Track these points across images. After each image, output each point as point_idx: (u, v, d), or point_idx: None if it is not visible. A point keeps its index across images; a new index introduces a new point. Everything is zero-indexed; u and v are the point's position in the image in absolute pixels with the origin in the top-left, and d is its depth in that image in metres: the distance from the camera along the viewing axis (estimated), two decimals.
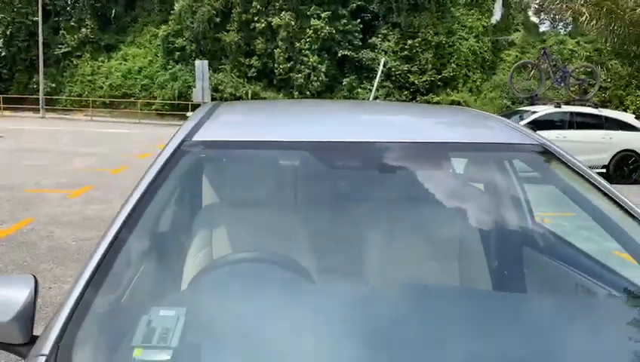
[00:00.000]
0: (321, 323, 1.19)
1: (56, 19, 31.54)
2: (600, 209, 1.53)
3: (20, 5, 30.15)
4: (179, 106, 28.37)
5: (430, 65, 26.72)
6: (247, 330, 1.15)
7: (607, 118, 11.35)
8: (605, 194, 1.52)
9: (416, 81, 26.55)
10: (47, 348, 1.04)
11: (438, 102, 26.54)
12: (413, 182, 1.77)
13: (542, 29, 31.77)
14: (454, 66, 27.19)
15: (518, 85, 14.61)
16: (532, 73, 14.27)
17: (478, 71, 27.12)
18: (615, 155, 11.01)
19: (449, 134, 1.81)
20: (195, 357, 1.09)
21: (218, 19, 28.19)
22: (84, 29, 31.11)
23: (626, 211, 1.47)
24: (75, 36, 31.11)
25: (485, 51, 27.82)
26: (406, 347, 1.11)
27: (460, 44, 27.38)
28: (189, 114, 24.79)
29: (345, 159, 1.72)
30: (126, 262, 1.35)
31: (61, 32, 31.46)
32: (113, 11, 33.16)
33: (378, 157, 1.65)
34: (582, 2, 13.47)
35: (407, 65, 26.56)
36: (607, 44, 15.05)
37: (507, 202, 1.93)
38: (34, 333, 1.20)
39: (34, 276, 1.27)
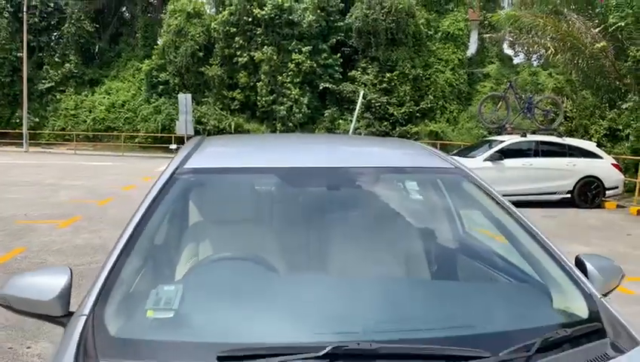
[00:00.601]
0: (281, 283, 1.79)
1: (40, 54, 31.90)
2: (489, 211, 2.04)
3: (3, 42, 30.45)
4: (162, 139, 28.65)
5: (408, 97, 27.44)
6: (227, 297, 1.62)
7: (570, 147, 11.96)
8: (494, 201, 2.05)
9: (395, 113, 27.20)
10: (86, 310, 1.49)
11: (417, 132, 27.19)
12: (356, 197, 2.22)
13: (516, 61, 32.85)
14: (432, 98, 27.95)
15: (493, 116, 15.30)
16: (500, 105, 15.01)
17: (455, 102, 27.90)
18: (579, 181, 11.56)
19: (382, 161, 2.34)
20: (189, 314, 1.54)
21: (201, 54, 28.73)
22: (67, 64, 31.46)
23: (510, 214, 2.01)
24: (59, 71, 31.41)
25: (461, 83, 28.67)
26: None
27: (436, 76, 28.20)
28: (172, 146, 25.15)
29: (304, 180, 2.16)
30: (134, 263, 1.73)
31: (45, 67, 31.76)
32: (97, 47, 33.67)
33: (336, 179, 2.15)
34: (548, 37, 14.23)
35: (386, 97, 27.25)
36: (574, 77, 15.83)
37: (441, 212, 2.32)
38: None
39: (70, 268, 1.64)
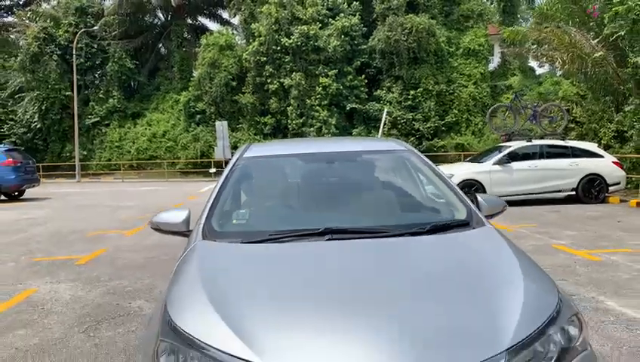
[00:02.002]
0: (303, 202, 3.30)
1: (86, 92, 34.34)
2: (427, 174, 3.41)
3: (53, 82, 33.01)
4: (201, 164, 30.47)
5: (433, 113, 28.48)
6: (272, 213, 3.14)
7: (573, 148, 12.98)
8: (432, 171, 3.41)
9: (421, 128, 28.28)
10: (201, 224, 2.84)
11: (443, 146, 28.25)
12: (349, 168, 3.71)
13: (539, 71, 33.60)
14: (456, 112, 28.91)
15: (502, 124, 16.47)
16: (506, 114, 16.14)
17: (479, 115, 28.77)
18: (582, 179, 12.54)
19: (362, 146, 4.02)
20: (253, 222, 3.04)
21: (234, 83, 30.52)
22: (111, 100, 33.85)
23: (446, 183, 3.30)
24: (104, 106, 33.82)
25: (485, 96, 29.53)
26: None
27: (460, 91, 29.16)
28: (211, 170, 26.78)
29: (323, 159, 3.69)
30: (222, 201, 3.14)
31: (90, 103, 34.21)
32: (137, 82, 36.06)
33: (335, 157, 3.71)
34: (553, 49, 15.31)
35: (411, 114, 28.38)
36: (582, 84, 16.78)
37: (407, 177, 3.65)
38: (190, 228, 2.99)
39: (189, 209, 3.04)
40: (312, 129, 28.72)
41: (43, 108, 33.04)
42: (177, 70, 34.84)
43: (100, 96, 34.35)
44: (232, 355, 1.84)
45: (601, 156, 12.89)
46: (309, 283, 2.30)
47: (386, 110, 25.32)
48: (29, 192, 18.54)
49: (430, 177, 3.45)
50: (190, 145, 31.69)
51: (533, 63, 34.19)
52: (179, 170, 31.42)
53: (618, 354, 3.77)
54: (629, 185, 14.06)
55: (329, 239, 2.66)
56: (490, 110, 17.16)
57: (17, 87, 34.83)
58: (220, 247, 2.69)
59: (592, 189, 12.59)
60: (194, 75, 32.22)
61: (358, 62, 29.60)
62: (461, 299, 2.15)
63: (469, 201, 3.10)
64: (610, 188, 12.72)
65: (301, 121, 29.23)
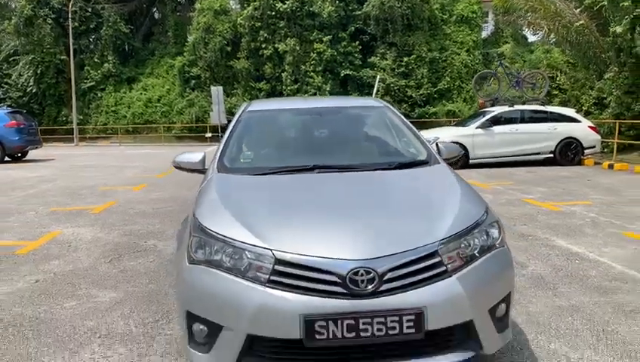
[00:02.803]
0: (296, 145, 4.11)
1: (81, 56, 34.39)
2: (400, 126, 4.06)
3: (48, 46, 33.13)
4: (197, 129, 30.98)
5: (426, 80, 28.94)
6: (272, 155, 3.90)
7: (552, 113, 13.70)
8: (403, 124, 4.09)
9: (413, 95, 28.79)
10: (215, 163, 3.60)
11: (435, 113, 28.85)
12: (334, 120, 4.38)
13: (531, 39, 33.97)
14: (448, 79, 29.37)
15: (482, 92, 17.14)
16: (491, 81, 16.77)
17: (471, 82, 29.30)
18: (560, 142, 13.30)
19: (346, 103, 4.74)
20: (257, 162, 3.82)
21: (229, 48, 30.74)
22: (106, 64, 33.95)
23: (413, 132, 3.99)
24: (99, 71, 33.95)
25: (477, 63, 29.94)
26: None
27: (452, 58, 29.56)
28: (207, 135, 27.22)
29: (313, 113, 4.39)
30: (231, 146, 3.84)
31: (85, 67, 34.29)
32: (132, 46, 36.17)
33: (323, 112, 4.41)
34: (541, 17, 15.83)
35: (404, 81, 28.84)
36: (566, 52, 17.38)
37: (382, 128, 4.37)
38: (205, 166, 3.71)
39: (204, 152, 3.76)
40: (306, 95, 29.15)
41: (38, 72, 33.17)
42: (172, 35, 34.94)
43: (95, 60, 34.43)
44: (244, 243, 2.60)
45: (578, 121, 13.63)
46: (300, 199, 3.08)
47: (378, 77, 25.80)
48: (31, 154, 19.14)
49: (401, 128, 4.18)
50: (185, 111, 32.07)
51: (526, 31, 34.71)
52: (174, 135, 31.92)
53: (555, 275, 4.58)
54: (605, 150, 14.84)
55: (317, 172, 3.41)
56: (475, 77, 17.82)
57: (12, 51, 34.88)
58: (231, 177, 3.44)
59: (568, 152, 13.37)
60: (188, 39, 32.38)
61: (353, 28, 29.86)
62: (410, 209, 2.95)
63: (430, 147, 3.84)
64: (586, 152, 13.49)
65: (296, 87, 29.61)
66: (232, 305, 2.52)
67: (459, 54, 29.86)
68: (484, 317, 2.63)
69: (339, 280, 2.45)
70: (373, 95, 24.58)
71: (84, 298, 4.24)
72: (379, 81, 25.21)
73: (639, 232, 6.12)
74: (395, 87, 28.74)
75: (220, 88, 27.36)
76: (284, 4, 28.89)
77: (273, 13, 29.29)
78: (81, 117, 33.22)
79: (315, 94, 29.12)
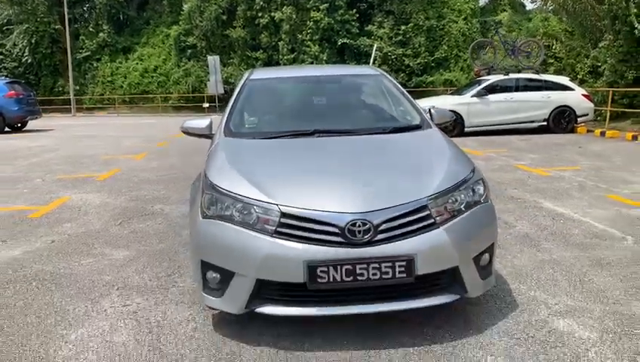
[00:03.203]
0: (298, 108, 4.36)
1: (76, 25, 34.14)
2: (397, 97, 4.29)
3: (42, 15, 32.83)
4: (194, 99, 30.99)
5: (423, 49, 28.90)
6: (275, 121, 4.13)
7: (546, 81, 13.88)
8: (398, 90, 4.32)
9: (411, 64, 28.78)
10: (222, 127, 3.85)
11: (432, 82, 28.87)
12: (333, 87, 4.60)
13: (529, 7, 33.77)
14: (446, 48, 29.29)
15: (479, 61, 17.24)
16: (487, 49, 16.87)
17: (468, 51, 29.28)
18: (553, 110, 13.50)
19: (344, 71, 4.98)
20: (262, 126, 4.07)
21: (225, 17, 30.57)
22: (101, 34, 33.73)
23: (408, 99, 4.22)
24: (94, 41, 33.73)
25: (474, 32, 29.83)
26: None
27: (450, 27, 29.44)
28: (205, 105, 27.29)
29: (313, 81, 4.62)
30: (236, 112, 4.06)
31: (80, 37, 34.07)
32: (127, 15, 35.83)
33: (322, 79, 4.66)
34: None
35: (401, 50, 28.80)
36: (564, 20, 17.43)
37: (378, 95, 4.60)
38: (212, 131, 3.95)
39: (210, 118, 4.00)
40: (304, 64, 29.11)
41: (33, 42, 32.91)
42: (167, 3, 34.59)
43: (90, 30, 34.17)
44: (253, 199, 2.87)
45: (572, 89, 13.81)
46: (302, 160, 3.37)
47: (375, 45, 25.77)
48: (30, 125, 19.25)
49: (396, 95, 4.41)
50: (182, 80, 32.02)
51: None
52: (171, 105, 31.92)
53: (540, 233, 4.88)
54: (598, 117, 15.07)
55: (317, 136, 3.66)
56: (472, 45, 17.90)
57: (5, 20, 34.54)
58: (237, 141, 3.69)
59: (562, 120, 13.59)
60: (184, 8, 32.12)
61: None
62: (403, 168, 3.25)
63: (423, 112, 4.09)
64: (579, 119, 13.72)
65: (292, 56, 29.56)
66: (243, 254, 2.81)
67: (456, 22, 29.75)
68: (468, 264, 2.93)
69: (338, 231, 2.73)
70: (371, 64, 24.61)
71: (99, 256, 4.52)
72: (376, 50, 25.18)
73: (623, 195, 6.42)
74: (393, 56, 28.72)
75: (217, 58, 27.31)
76: None
77: None
78: (77, 87, 33.10)
79: (312, 63, 29.08)
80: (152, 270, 4.16)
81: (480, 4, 31.66)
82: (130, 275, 4.06)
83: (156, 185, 7.57)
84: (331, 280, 2.72)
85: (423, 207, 2.86)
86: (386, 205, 2.81)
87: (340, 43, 29.33)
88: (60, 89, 33.65)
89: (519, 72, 14.71)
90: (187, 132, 4.20)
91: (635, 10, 13.06)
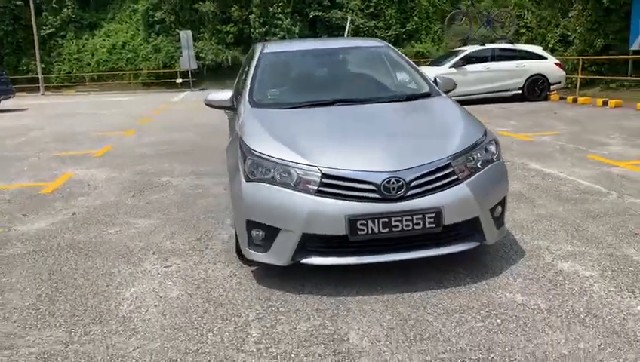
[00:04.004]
0: (316, 75, 4.79)
1: (37, 1, 33.12)
2: (401, 63, 4.60)
3: None
4: (165, 75, 30.57)
5: (395, 20, 29.14)
6: (296, 89, 4.48)
7: (521, 51, 14.38)
8: (405, 61, 4.66)
9: (382, 36, 28.93)
10: (245, 99, 4.14)
11: (404, 53, 29.18)
12: (347, 59, 4.89)
13: None
14: (417, 19, 29.58)
15: (454, 31, 17.62)
16: (463, 20, 17.27)
17: (438, 22, 29.60)
18: (528, 79, 14.02)
19: (352, 43, 5.31)
20: (283, 96, 4.36)
21: None
22: (65, 9, 32.73)
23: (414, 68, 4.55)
24: (58, 17, 32.73)
25: (444, 3, 30.16)
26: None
27: None
28: (178, 81, 26.98)
29: (326, 53, 4.90)
30: (258, 82, 4.32)
31: (43, 13, 33.04)
32: None
33: (335, 52, 4.96)
34: None
35: (373, 22, 28.99)
36: None
37: (388, 65, 4.89)
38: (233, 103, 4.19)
39: (232, 91, 4.23)
40: (275, 38, 28.95)
41: None
42: None
43: (53, 5, 33.09)
44: (294, 162, 3.17)
45: (545, 58, 14.33)
46: (331, 126, 3.69)
47: (349, 18, 25.88)
48: (3, 105, 18.83)
49: (403, 65, 4.72)
50: (152, 56, 31.47)
51: None
52: (141, 82, 31.43)
53: (533, 191, 5.32)
54: (569, 85, 15.68)
55: (338, 105, 3.95)
56: (448, 17, 18.24)
57: None
58: (265, 111, 3.95)
59: (536, 88, 14.12)
60: None
61: None
62: (425, 131, 3.63)
63: (430, 81, 4.42)
64: (552, 87, 14.27)
65: (264, 29, 29.37)
66: (289, 212, 3.11)
67: None
68: (486, 215, 3.30)
69: (374, 188, 3.05)
70: (345, 37, 24.76)
71: (125, 225, 4.75)
72: (350, 23, 25.30)
73: (602, 155, 6.92)
74: (365, 28, 28.87)
75: (189, 32, 27.06)
76: None
77: None
78: (43, 65, 32.25)
79: (284, 37, 29.03)
80: (180, 235, 4.42)
81: None
82: (161, 241, 4.31)
83: (156, 160, 7.74)
84: (369, 232, 3.05)
85: (447, 165, 3.20)
86: (415, 164, 3.14)
87: (311, 15, 29.30)
88: (25, 67, 32.67)
89: (492, 42, 15.14)
90: (210, 104, 4.43)
91: None
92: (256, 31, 29.37)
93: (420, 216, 3.07)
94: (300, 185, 3.15)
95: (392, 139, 3.41)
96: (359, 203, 3.06)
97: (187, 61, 26.50)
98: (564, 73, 14.49)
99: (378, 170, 3.09)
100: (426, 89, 4.32)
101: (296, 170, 3.16)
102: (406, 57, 4.82)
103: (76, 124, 12.77)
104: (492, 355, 2.55)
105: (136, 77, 31.59)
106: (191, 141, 9.39)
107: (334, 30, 29.51)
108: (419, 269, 3.44)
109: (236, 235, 3.58)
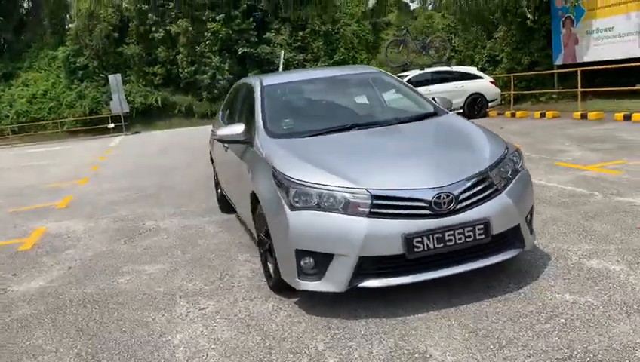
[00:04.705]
0: (314, 103, 4.81)
1: None
2: (402, 90, 4.77)
3: None
4: (92, 121, 29.47)
5: (322, 52, 29.86)
6: (306, 120, 4.42)
7: (458, 72, 15.19)
8: (401, 84, 4.81)
9: (312, 67, 29.60)
10: (261, 130, 4.13)
11: None
12: (349, 85, 4.97)
13: (412, 6, 36.08)
14: (343, 50, 30.48)
15: (393, 58, 18.39)
16: (401, 47, 18.09)
17: (364, 52, 30.71)
18: (467, 98, 14.82)
19: (345, 71, 5.36)
20: (295, 128, 4.27)
21: (116, 34, 29.58)
22: None
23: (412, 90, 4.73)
24: None
25: (367, 34, 31.41)
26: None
27: (344, 30, 30.70)
28: (110, 126, 26.10)
29: (326, 82, 4.97)
30: (267, 113, 4.30)
31: None
32: (3, 39, 33.33)
33: (335, 80, 5.03)
34: None
35: (302, 55, 29.58)
36: (457, 16, 19.08)
37: (387, 87, 5.03)
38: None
39: (243, 124, 4.18)
40: (205, 76, 28.87)
41: None
42: (48, 24, 32.71)
43: None
44: (340, 186, 3.18)
45: (480, 77, 15.19)
46: (362, 149, 3.73)
47: (283, 52, 26.29)
48: None
49: (401, 88, 4.90)
50: (76, 103, 30.30)
51: None
52: (67, 130, 30.13)
53: None
54: (502, 101, 16.63)
55: (356, 130, 4.01)
56: (387, 44, 18.96)
57: None
58: (288, 140, 3.92)
59: (475, 106, 14.90)
60: (69, 28, 30.56)
61: (245, 5, 29.86)
62: (456, 146, 3.75)
63: (432, 101, 4.59)
64: (490, 104, 15.12)
65: (193, 68, 29.18)
66: (343, 236, 3.10)
67: (350, 25, 31.08)
68: (523, 222, 3.44)
69: (426, 205, 3.12)
70: (280, 70, 25.10)
71: (133, 273, 4.53)
72: (283, 57, 25.71)
73: (568, 162, 7.39)
74: (294, 62, 29.35)
75: (118, 76, 26.46)
76: None
77: None
78: None
79: (214, 75, 29.01)
80: (199, 277, 4.26)
81: (369, 7, 33.27)
82: (181, 284, 4.14)
83: (130, 205, 7.44)
84: (425, 248, 3.10)
85: (487, 177, 3.32)
86: (459, 177, 3.24)
87: (240, 52, 29.49)
88: None
89: (430, 66, 15.87)
90: (222, 140, 4.36)
91: (526, 2, 14.62)
92: (185, 70, 29.16)
93: (471, 228, 3.16)
94: (349, 208, 3.15)
95: (430, 156, 3.51)
96: (413, 220, 3.10)
97: (118, 105, 25.83)
98: (499, 90, 15.40)
99: (427, 187, 3.16)
100: (431, 108, 4.47)
101: (344, 194, 3.17)
102: (400, 80, 4.98)
103: (18, 178, 12.04)
104: (574, 353, 2.64)
105: (61, 125, 30.28)
106: (155, 184, 9.10)
107: (264, 65, 29.80)
108: (460, 282, 3.50)
109: (265, 269, 3.74)
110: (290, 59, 29.11)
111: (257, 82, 4.82)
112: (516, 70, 16.60)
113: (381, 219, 3.11)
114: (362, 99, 4.93)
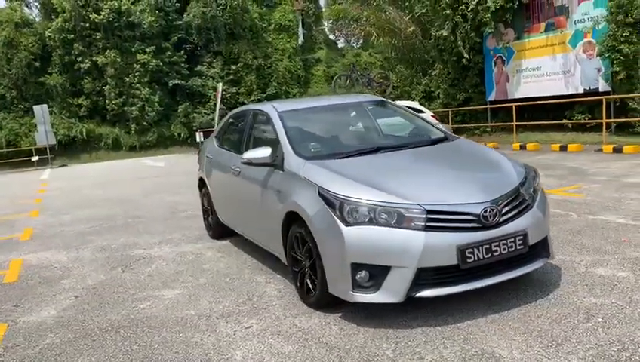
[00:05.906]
0: (329, 127, 5.02)
1: None
2: (407, 116, 5.17)
3: None
4: (8, 155, 27.72)
5: (255, 86, 30.15)
6: (331, 141, 4.69)
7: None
8: (407, 111, 5.20)
9: (245, 101, 29.62)
10: (291, 154, 4.31)
11: None
12: (359, 112, 5.26)
13: (340, 45, 37.49)
14: (276, 84, 30.97)
15: (341, 91, 19.03)
16: (347, 81, 18.83)
17: (296, 86, 31.38)
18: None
19: (350, 99, 5.60)
20: (322, 151, 4.44)
21: (37, 64, 28.36)
22: None
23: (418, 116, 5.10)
24: None
25: (299, 69, 32.19)
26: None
27: (276, 65, 31.29)
28: (34, 158, 24.70)
29: (341, 108, 5.30)
30: (291, 137, 4.44)
31: None
32: None
33: (342, 107, 5.36)
34: (370, 25, 18.12)
35: (235, 88, 29.75)
36: (392, 55, 20.18)
37: (395, 114, 5.34)
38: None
39: (270, 147, 4.30)
40: (133, 108, 28.22)
41: None
42: None
43: None
44: (394, 203, 3.39)
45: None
46: (400, 168, 3.95)
47: (220, 85, 26.33)
48: None
49: (408, 115, 5.28)
50: None
51: (331, 37, 38.20)
52: None
53: None
54: None
55: (382, 152, 4.25)
56: (335, 78, 19.62)
57: None
58: (324, 162, 4.06)
59: None
60: None
61: (175, 37, 29.70)
62: (483, 166, 4.07)
63: (440, 126, 4.92)
64: None
65: (121, 100, 28.47)
66: (401, 249, 3.30)
67: (281, 61, 31.72)
68: (549, 234, 3.79)
69: (475, 218, 3.39)
70: (218, 103, 25.10)
71: (151, 298, 4.42)
72: (221, 90, 25.77)
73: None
74: (227, 95, 29.43)
75: (45, 107, 25.30)
76: (99, 15, 27.66)
77: (87, 24, 27.85)
78: None
79: (143, 107, 28.45)
80: (226, 299, 4.25)
81: (299, 43, 34.17)
82: (211, 306, 4.12)
83: (103, 236, 7.17)
84: (476, 258, 3.36)
85: (520, 193, 3.66)
86: (501, 193, 3.55)
87: (171, 84, 29.20)
88: None
89: None
90: (250, 163, 4.42)
91: (461, 43, 15.74)
92: (113, 102, 28.38)
93: (512, 239, 3.46)
94: (403, 223, 3.36)
95: (470, 174, 3.81)
96: (465, 233, 3.36)
97: (44, 136, 24.62)
98: (440, 124, 16.27)
99: (476, 202, 3.43)
100: (441, 133, 4.82)
101: (398, 209, 3.37)
102: (403, 107, 5.31)
103: None
104: (625, 345, 2.96)
105: None
106: (119, 214, 8.81)
107: (196, 97, 29.68)
108: (491, 291, 3.77)
109: (301, 287, 3.93)
110: (224, 92, 29.13)
111: (272, 108, 4.95)
112: (452, 105, 17.68)
113: (436, 232, 3.33)
114: (376, 124, 5.20)
